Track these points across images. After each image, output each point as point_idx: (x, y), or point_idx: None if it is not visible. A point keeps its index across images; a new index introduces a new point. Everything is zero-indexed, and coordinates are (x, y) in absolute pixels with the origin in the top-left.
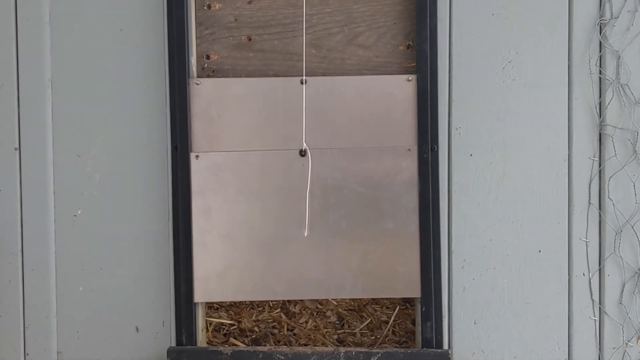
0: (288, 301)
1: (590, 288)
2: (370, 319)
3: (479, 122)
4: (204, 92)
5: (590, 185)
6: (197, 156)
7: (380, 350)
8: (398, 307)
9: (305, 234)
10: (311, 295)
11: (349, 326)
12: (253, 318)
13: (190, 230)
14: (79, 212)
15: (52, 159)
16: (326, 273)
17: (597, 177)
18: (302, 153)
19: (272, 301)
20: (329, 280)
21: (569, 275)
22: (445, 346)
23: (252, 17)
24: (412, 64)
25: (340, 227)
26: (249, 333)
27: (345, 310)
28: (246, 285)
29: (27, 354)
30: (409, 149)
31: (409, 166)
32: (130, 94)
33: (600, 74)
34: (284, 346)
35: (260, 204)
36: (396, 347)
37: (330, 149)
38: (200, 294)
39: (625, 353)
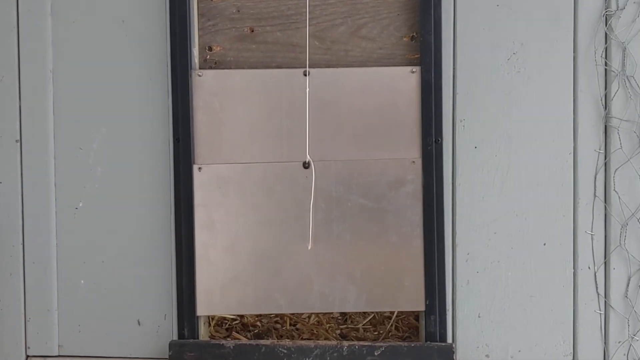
0: None
1: (596, 281)
2: (373, 314)
3: (484, 114)
4: (207, 83)
5: (595, 177)
6: (199, 168)
7: (384, 344)
8: None
9: (309, 247)
10: (315, 308)
11: (352, 321)
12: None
13: (193, 243)
14: (81, 204)
15: (54, 151)
16: (330, 286)
17: (602, 169)
18: (306, 165)
19: None
20: (332, 294)
21: (574, 268)
22: (449, 340)
23: (255, 9)
24: (416, 56)
25: (345, 240)
26: (251, 328)
27: None
28: (249, 298)
29: (28, 348)
30: (413, 162)
31: (414, 179)
32: (132, 86)
33: (605, 65)
34: (286, 340)
35: (264, 216)
36: (399, 342)
37: (334, 161)
38: (204, 307)
39: (631, 347)
